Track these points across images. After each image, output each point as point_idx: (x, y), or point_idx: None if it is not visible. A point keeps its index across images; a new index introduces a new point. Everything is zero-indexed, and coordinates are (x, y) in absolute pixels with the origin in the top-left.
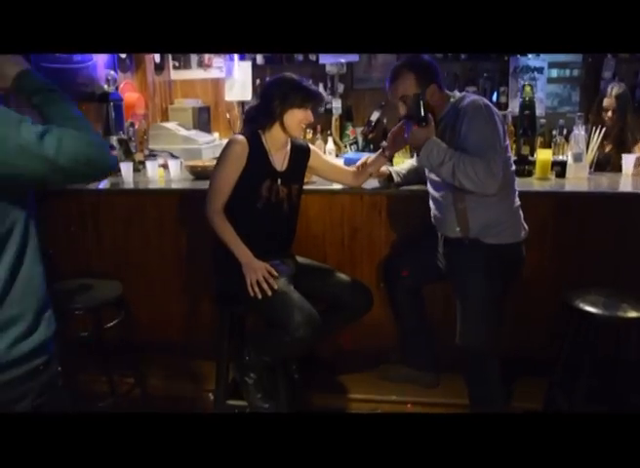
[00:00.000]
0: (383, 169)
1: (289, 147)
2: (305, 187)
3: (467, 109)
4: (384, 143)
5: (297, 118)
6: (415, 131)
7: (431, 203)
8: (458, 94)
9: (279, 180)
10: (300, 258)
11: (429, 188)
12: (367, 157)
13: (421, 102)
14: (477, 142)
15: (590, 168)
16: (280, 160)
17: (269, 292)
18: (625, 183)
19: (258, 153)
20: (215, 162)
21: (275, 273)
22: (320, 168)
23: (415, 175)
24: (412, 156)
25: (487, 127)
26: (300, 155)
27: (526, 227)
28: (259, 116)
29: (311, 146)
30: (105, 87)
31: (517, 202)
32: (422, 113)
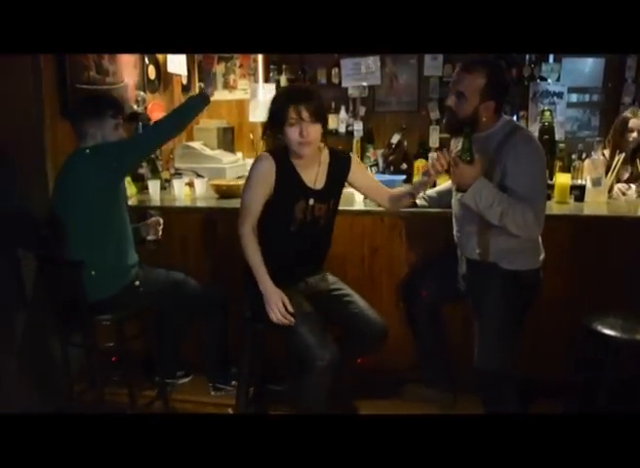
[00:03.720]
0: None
1: (327, 161)
2: None
3: (519, 146)
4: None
5: (289, 139)
6: (463, 168)
7: (454, 223)
8: (505, 117)
9: (312, 200)
10: (330, 277)
11: (454, 209)
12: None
13: (471, 140)
14: (529, 188)
15: (610, 191)
16: (313, 177)
17: (287, 322)
18: None
19: (286, 170)
20: (239, 181)
21: (290, 307)
22: (358, 183)
23: (449, 198)
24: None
25: (539, 170)
26: (338, 168)
27: (543, 252)
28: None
29: (353, 157)
30: (135, 107)
31: None
32: (470, 151)
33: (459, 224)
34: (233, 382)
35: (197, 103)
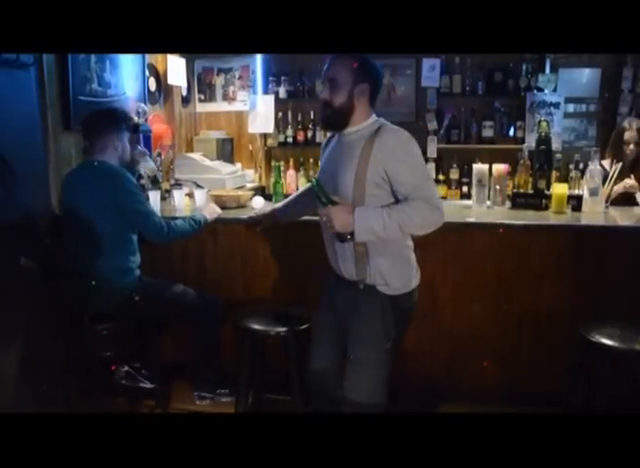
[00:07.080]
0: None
1: None
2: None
3: (391, 143)
4: None
5: None
6: (333, 212)
7: (325, 238)
8: (376, 116)
9: None
10: None
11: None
12: None
13: (323, 187)
14: (413, 180)
15: (607, 201)
16: None
17: None
18: None
19: None
20: (238, 192)
21: None
22: None
23: (296, 209)
24: None
25: (417, 162)
26: None
27: (418, 275)
28: None
29: None
30: (136, 118)
31: (410, 244)
32: (327, 196)
33: (330, 241)
34: (218, 390)
35: (195, 230)
